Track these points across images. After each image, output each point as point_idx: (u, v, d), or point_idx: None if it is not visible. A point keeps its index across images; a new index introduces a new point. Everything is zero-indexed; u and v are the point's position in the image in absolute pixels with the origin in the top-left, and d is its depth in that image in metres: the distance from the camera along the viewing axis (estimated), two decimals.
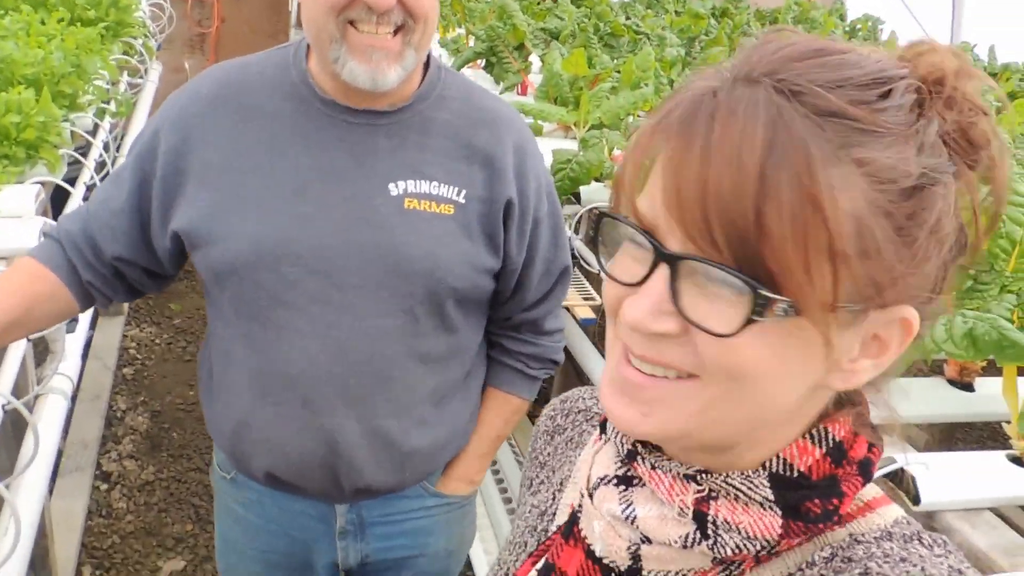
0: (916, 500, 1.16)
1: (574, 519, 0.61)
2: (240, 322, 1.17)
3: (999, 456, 1.30)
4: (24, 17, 2.76)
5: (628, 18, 4.38)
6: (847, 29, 4.76)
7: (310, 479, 1.21)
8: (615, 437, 0.59)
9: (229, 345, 1.21)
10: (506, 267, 1.20)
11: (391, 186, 1.12)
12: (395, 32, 1.05)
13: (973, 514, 1.18)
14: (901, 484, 1.20)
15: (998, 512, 1.21)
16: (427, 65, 1.18)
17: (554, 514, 0.69)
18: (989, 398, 1.47)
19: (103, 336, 3.39)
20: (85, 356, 3.13)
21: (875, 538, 0.52)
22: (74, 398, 2.92)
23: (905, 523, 0.54)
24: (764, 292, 0.46)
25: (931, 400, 1.43)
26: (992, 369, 1.50)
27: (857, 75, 0.48)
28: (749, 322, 0.46)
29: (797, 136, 0.45)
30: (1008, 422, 1.33)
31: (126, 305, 3.69)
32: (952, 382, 1.49)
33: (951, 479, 1.21)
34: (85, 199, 2.06)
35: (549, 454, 0.74)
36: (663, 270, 0.49)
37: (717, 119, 0.47)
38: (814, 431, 0.53)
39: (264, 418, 1.18)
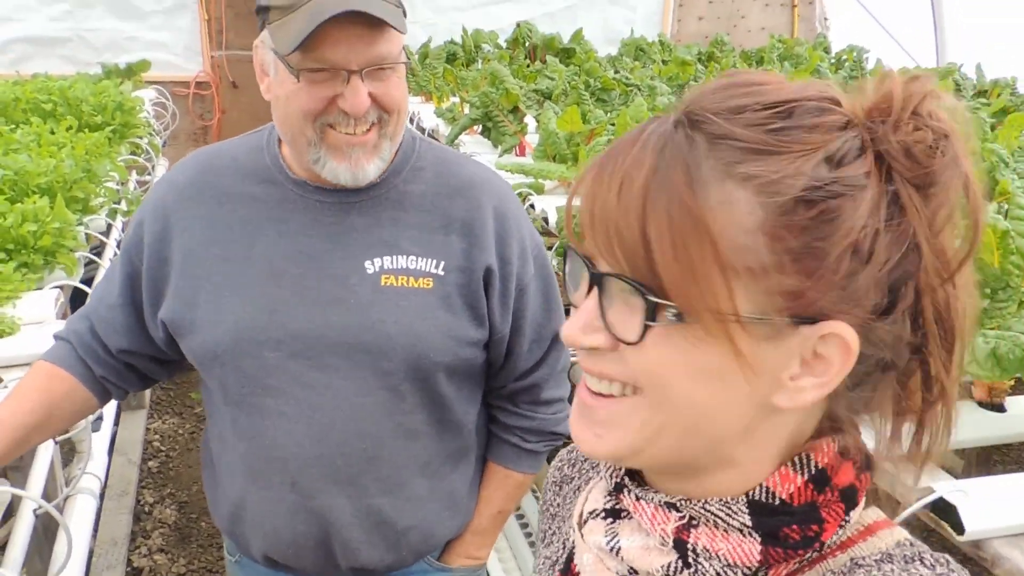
0: (960, 530, 1.13)
1: (570, 556, 0.63)
2: (228, 407, 1.18)
3: None
4: (34, 129, 2.86)
5: (617, 72, 4.48)
6: (833, 61, 4.84)
7: (306, 560, 1.20)
8: (606, 472, 0.60)
9: (220, 429, 1.22)
10: (493, 336, 1.19)
11: (367, 264, 1.12)
12: (370, 127, 1.08)
13: (1021, 539, 1.15)
14: (944, 515, 1.18)
15: None
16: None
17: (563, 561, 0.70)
18: (1022, 417, 1.45)
19: (127, 431, 3.40)
20: (110, 452, 3.13)
21: (876, 561, 0.52)
22: (101, 495, 2.92)
23: (907, 544, 0.54)
24: (651, 298, 0.49)
25: (962, 424, 1.40)
26: (1022, 387, 1.48)
27: (759, 102, 0.50)
28: (646, 327, 0.50)
29: (680, 160, 0.49)
30: None
31: (148, 398, 3.70)
32: (982, 404, 1.47)
33: (994, 505, 1.18)
34: None
35: (559, 505, 0.75)
36: (594, 289, 0.53)
37: (629, 148, 0.51)
38: (796, 458, 0.54)
39: (256, 501, 1.18)
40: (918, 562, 0.51)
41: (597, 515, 0.59)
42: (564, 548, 0.70)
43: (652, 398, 0.52)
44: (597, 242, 0.51)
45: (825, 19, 6.84)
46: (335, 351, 1.12)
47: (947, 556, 0.52)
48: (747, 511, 0.53)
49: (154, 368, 1.28)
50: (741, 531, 0.52)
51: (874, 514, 0.56)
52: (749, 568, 0.52)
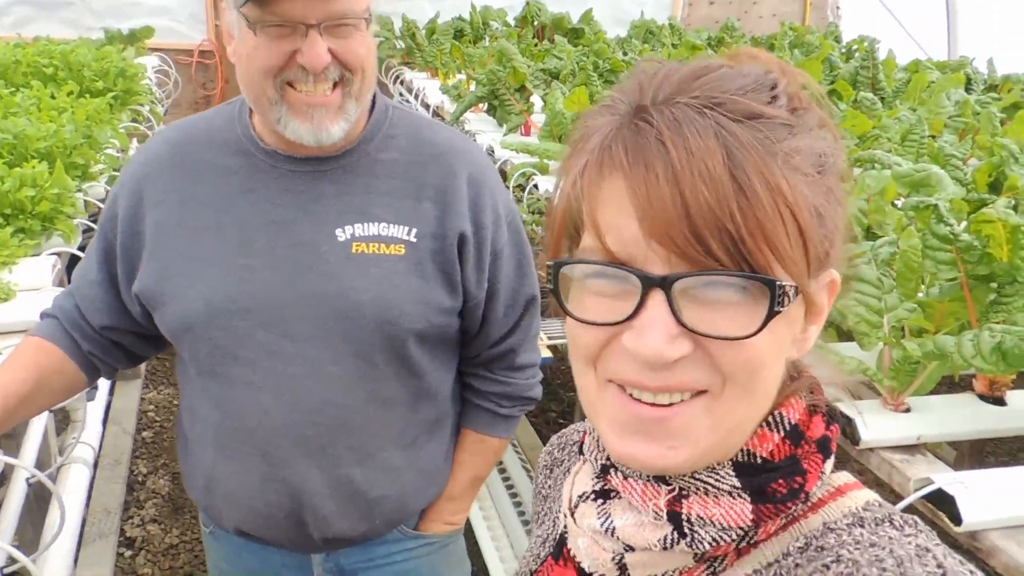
0: (957, 521, 1.13)
1: (562, 540, 0.63)
2: (199, 379, 1.17)
3: None
4: (35, 93, 2.82)
5: (625, 54, 4.43)
6: (843, 51, 4.79)
7: (278, 531, 1.19)
8: (591, 455, 0.60)
9: (192, 401, 1.21)
10: (467, 303, 1.18)
11: (338, 231, 1.11)
12: (334, 87, 1.06)
13: (1018, 531, 1.15)
14: (941, 506, 1.17)
15: None
16: (373, 106, 1.18)
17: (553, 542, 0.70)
18: (1022, 412, 1.44)
19: (121, 400, 3.39)
20: (104, 422, 3.13)
21: (847, 525, 0.53)
22: (95, 465, 2.92)
23: (877, 506, 0.55)
24: (780, 282, 0.49)
25: (963, 417, 1.40)
26: (1023, 382, 1.47)
27: (748, 83, 0.52)
28: (772, 315, 0.49)
29: (745, 138, 0.49)
30: None
31: (143, 368, 3.69)
32: (983, 397, 1.46)
33: (992, 497, 1.18)
34: None
35: (549, 487, 0.76)
36: (657, 296, 0.49)
37: (667, 141, 0.49)
38: (770, 418, 0.55)
39: (227, 472, 1.18)
40: (887, 524, 0.53)
41: (587, 498, 0.59)
42: (554, 527, 0.70)
43: (739, 390, 0.51)
44: (673, 241, 0.48)
45: (837, 8, 6.77)
46: (305, 319, 1.11)
47: (915, 518, 0.54)
48: (734, 473, 0.54)
49: (138, 344, 1.27)
50: (731, 494, 0.53)
51: (844, 476, 0.58)
52: (742, 528, 0.53)
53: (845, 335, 1.57)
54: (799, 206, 0.49)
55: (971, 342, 1.23)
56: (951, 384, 1.72)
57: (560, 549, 0.63)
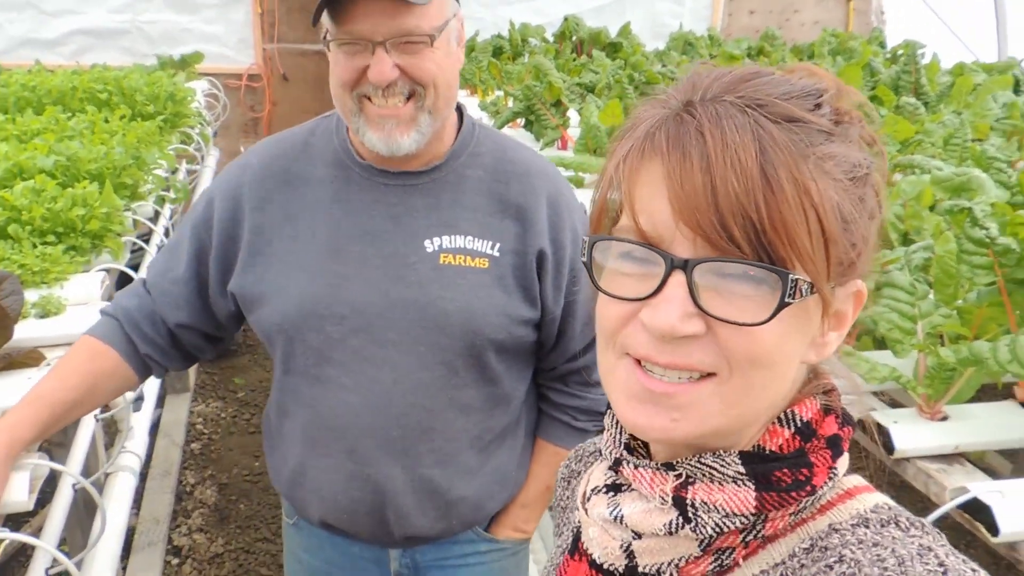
0: (994, 531, 1.10)
1: (577, 536, 0.64)
2: (290, 378, 1.23)
3: None
4: (89, 117, 2.94)
5: (664, 66, 4.42)
6: (888, 56, 4.71)
7: (361, 525, 1.25)
8: (607, 450, 0.62)
9: (283, 398, 1.27)
10: (544, 317, 1.22)
11: (427, 243, 1.17)
12: (406, 100, 1.10)
13: None
14: (978, 515, 1.14)
15: None
16: (461, 123, 1.23)
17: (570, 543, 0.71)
18: None
19: (171, 413, 3.49)
20: (154, 434, 3.22)
21: (851, 525, 0.54)
22: (145, 475, 3.00)
23: (884, 508, 0.55)
24: (794, 275, 0.51)
25: (1002, 425, 1.36)
26: None
27: (794, 90, 0.55)
28: (782, 307, 0.51)
29: (780, 138, 0.52)
30: None
31: (192, 381, 3.79)
32: None
33: None
34: None
35: (568, 498, 0.77)
36: (678, 277, 0.52)
37: (705, 132, 0.52)
38: (782, 415, 0.57)
39: (315, 468, 1.24)
40: (893, 525, 0.53)
41: (599, 491, 0.61)
42: (572, 534, 0.71)
43: (745, 378, 0.53)
44: (700, 226, 0.51)
45: (882, 13, 6.65)
46: (394, 326, 1.16)
47: (924, 520, 0.54)
48: (740, 461, 0.55)
49: (202, 345, 1.32)
50: (735, 480, 0.55)
51: (855, 480, 0.59)
52: (746, 516, 0.54)
53: (879, 343, 1.54)
54: (824, 208, 0.51)
55: (1007, 347, 1.20)
56: (995, 392, 1.67)
57: (576, 545, 0.64)
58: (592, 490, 0.62)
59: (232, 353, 4.20)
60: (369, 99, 1.11)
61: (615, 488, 0.60)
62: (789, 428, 0.56)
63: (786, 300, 0.51)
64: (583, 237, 1.24)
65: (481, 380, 1.21)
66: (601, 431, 1.34)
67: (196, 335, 1.30)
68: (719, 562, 0.56)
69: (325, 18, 1.10)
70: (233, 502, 3.07)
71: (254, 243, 1.21)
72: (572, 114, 3.61)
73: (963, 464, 1.27)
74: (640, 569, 0.57)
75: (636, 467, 0.59)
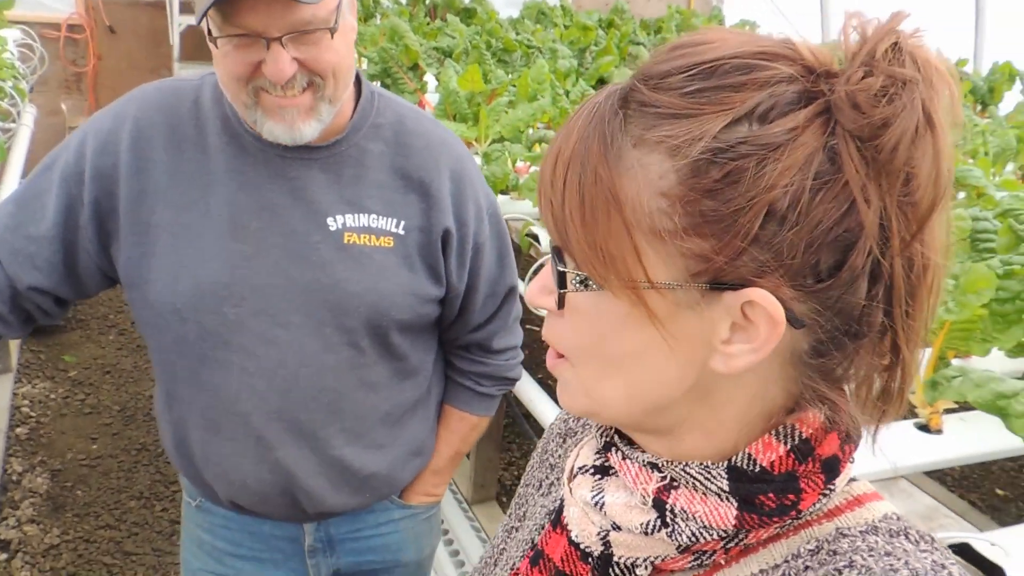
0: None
1: (560, 508, 0.63)
2: (184, 361, 1.14)
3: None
4: None
5: (518, 34, 4.44)
6: None
7: (272, 506, 1.22)
8: (596, 431, 0.61)
9: (171, 385, 1.18)
10: (448, 294, 1.21)
11: (329, 221, 1.11)
12: (305, 89, 1.04)
13: None
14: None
15: None
16: (360, 93, 1.17)
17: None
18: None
19: None
20: None
21: (861, 531, 0.52)
22: None
23: (894, 518, 0.53)
24: (560, 267, 0.52)
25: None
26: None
27: (689, 63, 0.48)
28: (560, 295, 0.52)
29: (600, 130, 0.49)
30: None
31: (15, 361, 3.45)
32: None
33: None
34: None
35: (560, 456, 0.75)
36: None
37: (570, 124, 0.53)
38: (780, 428, 0.53)
39: (220, 453, 1.18)
40: (903, 537, 0.51)
41: (586, 471, 0.60)
42: (557, 503, 0.70)
43: (583, 367, 0.54)
44: (541, 210, 0.53)
45: None
46: (298, 308, 1.11)
47: (932, 535, 0.52)
48: (726, 476, 0.52)
49: (52, 308, 1.18)
50: (719, 495, 0.52)
51: (863, 486, 0.56)
52: (724, 531, 0.52)
53: None
54: (631, 207, 0.48)
55: None
56: None
57: (559, 517, 0.62)
58: (579, 468, 0.61)
59: (60, 329, 3.85)
60: (264, 90, 1.03)
61: (603, 471, 0.59)
62: (785, 444, 0.52)
63: (558, 289, 0.52)
64: (485, 210, 1.24)
65: (388, 356, 1.19)
66: (505, 394, 1.32)
67: (48, 299, 1.16)
68: (699, 561, 0.54)
69: (194, 5, 1.00)
70: (69, 489, 2.83)
71: (137, 211, 1.09)
72: (429, 79, 3.56)
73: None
74: (614, 558, 0.56)
75: (624, 457, 0.57)
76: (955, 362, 1.39)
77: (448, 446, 1.34)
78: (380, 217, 1.14)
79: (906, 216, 0.46)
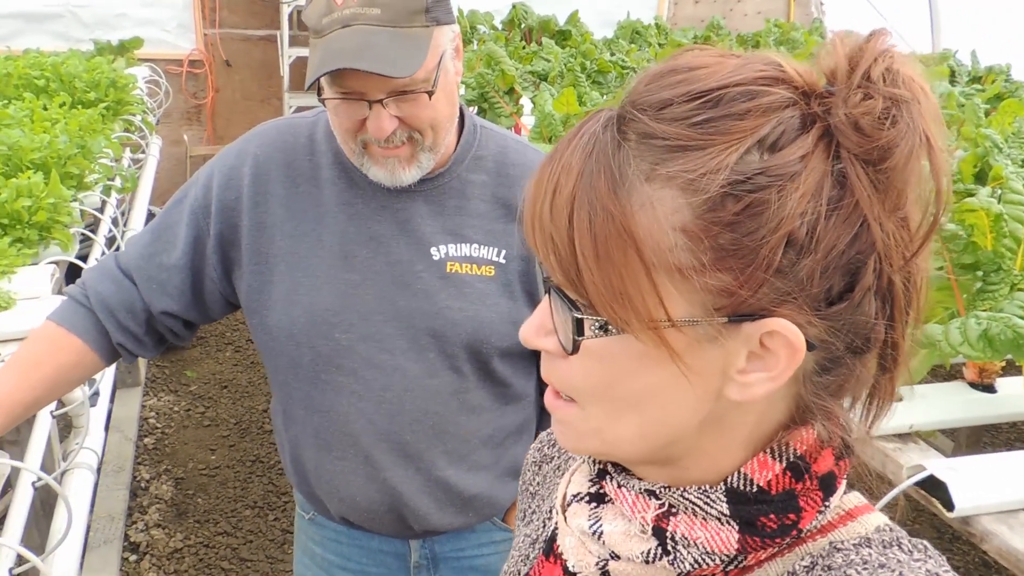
0: (950, 507, 1.16)
1: (553, 537, 0.62)
2: (299, 383, 1.22)
3: None
4: (27, 105, 2.83)
5: (613, 54, 4.46)
6: None
7: (380, 523, 1.27)
8: (588, 457, 0.60)
9: (287, 405, 1.26)
10: None
11: (433, 251, 1.17)
12: (406, 142, 1.12)
13: (1009, 516, 1.17)
14: (933, 492, 1.20)
15: None
16: (463, 125, 1.23)
17: (544, 540, 0.70)
18: (1012, 398, 1.47)
19: (122, 408, 3.40)
20: (106, 429, 3.13)
21: (854, 545, 0.52)
22: (97, 472, 2.92)
23: (887, 530, 0.53)
24: (576, 314, 0.49)
25: (953, 405, 1.43)
26: (1012, 369, 1.50)
27: (688, 91, 0.47)
28: (576, 342, 0.50)
29: (605, 164, 0.47)
30: None
31: (143, 375, 3.70)
32: (973, 385, 1.49)
33: (983, 482, 1.21)
34: None
35: (539, 483, 0.75)
36: (550, 291, 0.52)
37: (565, 154, 0.50)
38: (775, 446, 0.52)
39: (331, 472, 1.24)
40: (896, 547, 0.51)
41: (581, 499, 0.59)
42: (544, 527, 0.70)
43: (594, 408, 0.52)
44: (538, 249, 0.50)
45: (821, 4, 6.82)
46: (403, 334, 1.17)
47: (925, 542, 0.53)
48: (725, 500, 0.52)
49: (182, 331, 1.29)
50: (719, 519, 0.52)
51: (855, 499, 0.56)
52: (727, 555, 0.52)
53: None
54: (647, 244, 0.47)
55: (958, 330, 1.27)
56: (943, 375, 1.75)
57: (551, 546, 0.62)
58: (573, 496, 0.59)
59: (182, 346, 4.11)
60: (370, 142, 1.12)
61: (598, 498, 0.58)
62: (781, 462, 0.52)
63: (575, 337, 0.50)
64: None
65: (489, 382, 1.23)
66: None
67: (178, 323, 1.27)
68: None
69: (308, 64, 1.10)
70: (190, 496, 3.02)
71: (257, 242, 1.19)
72: (525, 102, 3.62)
73: (917, 443, 1.34)
74: None
75: (620, 485, 0.56)
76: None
77: None
78: (481, 246, 1.18)
79: (909, 232, 0.47)
